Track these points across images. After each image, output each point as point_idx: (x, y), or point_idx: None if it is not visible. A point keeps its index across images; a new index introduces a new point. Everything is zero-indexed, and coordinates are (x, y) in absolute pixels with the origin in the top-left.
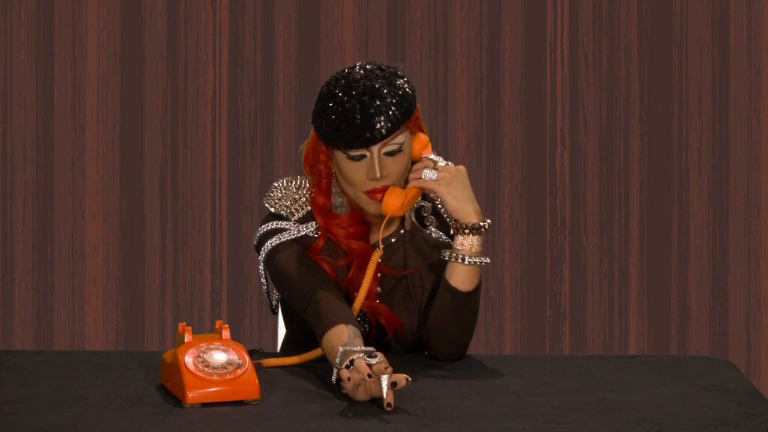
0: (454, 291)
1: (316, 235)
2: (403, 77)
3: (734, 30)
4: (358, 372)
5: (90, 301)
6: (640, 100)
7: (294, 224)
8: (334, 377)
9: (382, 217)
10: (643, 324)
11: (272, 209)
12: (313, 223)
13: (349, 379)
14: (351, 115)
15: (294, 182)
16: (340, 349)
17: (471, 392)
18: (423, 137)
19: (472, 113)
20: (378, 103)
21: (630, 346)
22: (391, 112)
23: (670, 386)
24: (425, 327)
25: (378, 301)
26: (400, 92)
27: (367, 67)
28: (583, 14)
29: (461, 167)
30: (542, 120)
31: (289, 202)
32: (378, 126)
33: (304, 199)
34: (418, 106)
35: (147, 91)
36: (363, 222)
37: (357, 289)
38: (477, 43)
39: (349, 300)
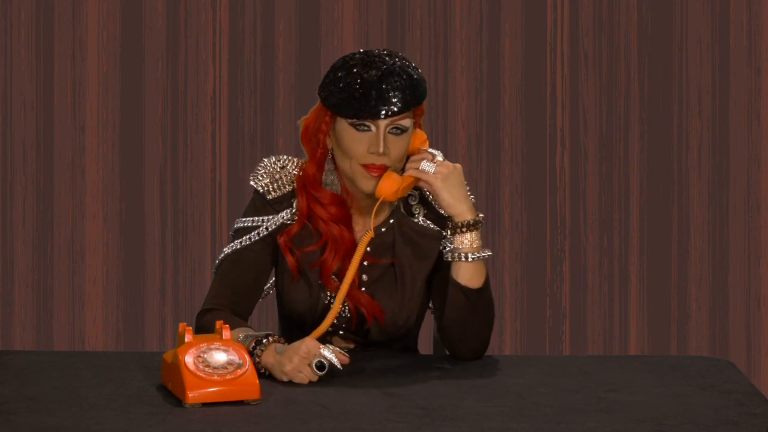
0: (465, 290)
1: (291, 222)
2: (417, 68)
3: (734, 30)
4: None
5: (90, 301)
6: (640, 100)
7: (269, 218)
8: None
9: (370, 200)
10: (643, 324)
11: (252, 182)
12: (288, 210)
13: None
14: (368, 84)
15: (279, 162)
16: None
17: (471, 392)
18: (422, 133)
19: (472, 113)
20: (396, 79)
21: (630, 346)
22: (407, 91)
23: (670, 386)
24: (443, 330)
25: (363, 289)
26: (416, 77)
27: (385, 50)
28: (583, 14)
29: (458, 165)
30: (542, 120)
31: (268, 180)
32: (393, 101)
33: (284, 180)
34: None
35: (147, 91)
36: (345, 206)
37: (332, 273)
38: (477, 43)
39: (322, 282)
